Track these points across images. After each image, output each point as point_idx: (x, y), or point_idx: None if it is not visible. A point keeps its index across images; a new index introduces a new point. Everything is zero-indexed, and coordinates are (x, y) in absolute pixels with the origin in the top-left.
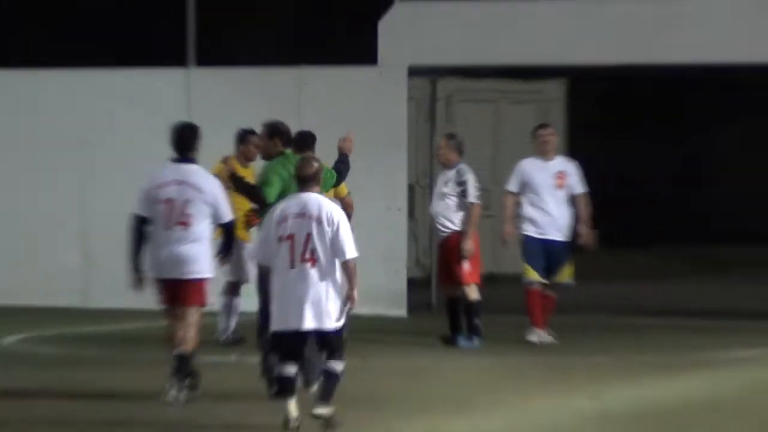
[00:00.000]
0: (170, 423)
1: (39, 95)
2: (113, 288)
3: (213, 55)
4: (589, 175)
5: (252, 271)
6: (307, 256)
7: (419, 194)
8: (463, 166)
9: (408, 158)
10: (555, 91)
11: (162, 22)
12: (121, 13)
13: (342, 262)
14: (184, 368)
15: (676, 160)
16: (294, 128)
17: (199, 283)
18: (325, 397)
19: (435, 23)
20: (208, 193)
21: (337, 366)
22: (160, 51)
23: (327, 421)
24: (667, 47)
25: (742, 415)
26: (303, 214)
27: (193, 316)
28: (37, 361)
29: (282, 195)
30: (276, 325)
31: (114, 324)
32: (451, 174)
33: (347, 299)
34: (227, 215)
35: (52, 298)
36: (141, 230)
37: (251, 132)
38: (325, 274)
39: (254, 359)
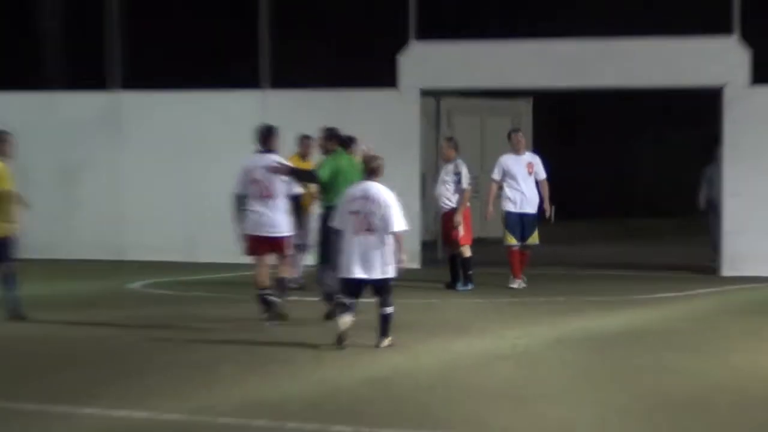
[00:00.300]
0: (256, 342)
1: (154, 110)
2: (211, 246)
3: (282, 80)
4: (549, 166)
5: (313, 234)
6: (367, 227)
7: (428, 181)
8: (459, 161)
9: (420, 154)
10: (524, 106)
11: (243, 54)
12: (215, 47)
13: (391, 232)
14: (282, 286)
15: (610, 156)
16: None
17: (284, 239)
18: (383, 333)
19: (439, 58)
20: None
21: (388, 309)
22: (243, 76)
23: (390, 346)
24: (603, 75)
25: (665, 339)
26: (365, 197)
27: (282, 261)
28: (156, 300)
29: (332, 177)
30: (343, 273)
31: (212, 273)
32: (450, 166)
33: (398, 260)
34: (295, 189)
35: (167, 254)
36: (241, 203)
37: (307, 137)
38: (379, 240)
39: (313, 297)
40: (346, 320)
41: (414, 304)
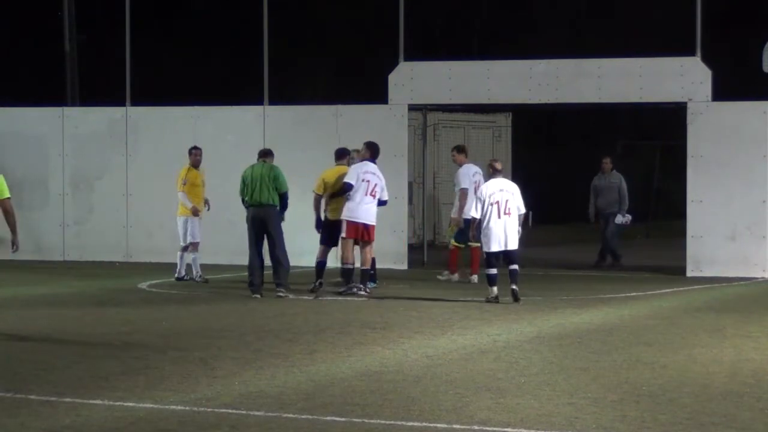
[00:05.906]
0: (255, 337)
1: (169, 123)
2: (212, 249)
3: (281, 95)
4: (527, 175)
5: None
6: (507, 211)
7: (415, 188)
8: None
9: (408, 164)
10: (503, 120)
11: (245, 72)
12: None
13: (521, 214)
14: (366, 275)
15: (582, 164)
16: (333, 146)
17: (373, 227)
18: (515, 282)
19: (425, 76)
20: (381, 179)
21: (517, 267)
22: (245, 92)
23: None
24: (575, 91)
25: (634, 335)
26: (502, 190)
27: (372, 245)
28: (162, 299)
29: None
30: (487, 248)
31: (214, 274)
32: None
33: (519, 232)
34: (385, 194)
35: (171, 257)
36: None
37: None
38: (514, 221)
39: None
40: (496, 289)
41: (401, 302)
